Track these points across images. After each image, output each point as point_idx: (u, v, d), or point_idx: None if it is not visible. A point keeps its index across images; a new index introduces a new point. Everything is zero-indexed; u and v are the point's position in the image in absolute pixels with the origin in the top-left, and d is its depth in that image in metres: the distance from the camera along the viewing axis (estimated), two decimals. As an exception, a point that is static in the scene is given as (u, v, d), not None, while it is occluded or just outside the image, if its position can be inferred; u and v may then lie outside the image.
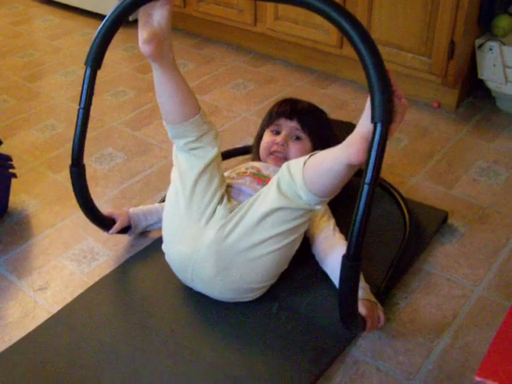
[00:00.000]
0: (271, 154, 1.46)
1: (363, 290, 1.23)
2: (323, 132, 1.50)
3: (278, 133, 1.48)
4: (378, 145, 0.94)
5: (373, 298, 1.24)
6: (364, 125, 0.98)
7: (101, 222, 1.44)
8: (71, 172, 1.33)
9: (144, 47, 1.16)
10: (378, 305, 1.24)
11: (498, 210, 1.60)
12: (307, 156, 1.14)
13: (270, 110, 1.54)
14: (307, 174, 1.11)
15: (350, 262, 1.01)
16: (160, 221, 1.49)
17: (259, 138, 1.53)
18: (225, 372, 1.16)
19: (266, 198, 1.18)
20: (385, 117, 0.93)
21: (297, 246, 1.27)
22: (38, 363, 1.20)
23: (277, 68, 2.44)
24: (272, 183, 1.19)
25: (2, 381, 1.16)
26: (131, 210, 1.49)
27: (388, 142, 0.95)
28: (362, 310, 1.19)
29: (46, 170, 1.82)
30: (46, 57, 2.63)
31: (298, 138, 1.46)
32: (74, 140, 1.28)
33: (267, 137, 1.49)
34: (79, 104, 1.25)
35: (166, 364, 1.18)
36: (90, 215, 1.42)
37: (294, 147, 1.45)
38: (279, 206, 1.16)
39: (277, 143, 1.45)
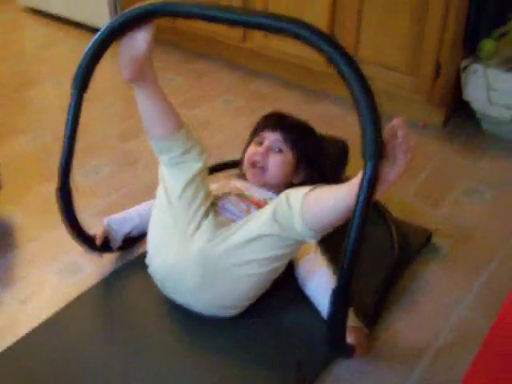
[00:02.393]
0: (251, 165, 1.46)
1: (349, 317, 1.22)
2: (308, 147, 1.50)
3: (261, 144, 1.48)
4: (367, 184, 0.95)
5: (358, 323, 1.23)
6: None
7: (87, 242, 1.43)
8: (58, 194, 1.32)
9: (123, 72, 1.19)
10: (364, 329, 1.23)
11: (481, 229, 1.62)
12: (308, 188, 1.14)
13: (257, 123, 1.56)
14: (306, 206, 1.11)
15: (341, 294, 1.02)
16: (138, 226, 1.49)
17: (245, 152, 1.54)
18: (207, 388, 1.16)
19: (259, 222, 1.18)
20: (373, 155, 0.94)
21: (281, 270, 1.27)
22: (18, 376, 1.18)
23: (266, 84, 2.46)
24: (268, 209, 1.19)
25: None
26: (105, 221, 1.47)
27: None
28: (350, 338, 1.18)
29: (33, 181, 1.82)
30: (35, 67, 2.63)
31: (279, 151, 1.46)
32: (60, 164, 1.28)
33: (250, 148, 1.50)
34: (65, 130, 1.25)
35: (148, 378, 1.18)
36: (76, 236, 1.40)
37: (273, 158, 1.45)
38: (271, 232, 1.16)
39: (257, 153, 1.45)
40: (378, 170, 0.95)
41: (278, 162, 1.45)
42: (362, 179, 0.95)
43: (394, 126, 0.99)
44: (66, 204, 1.33)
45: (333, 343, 1.14)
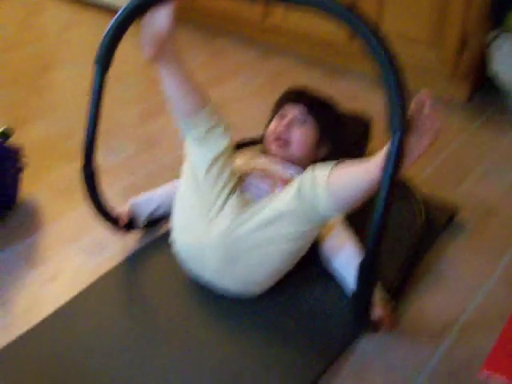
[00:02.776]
0: (275, 139, 1.45)
1: (376, 291, 1.22)
2: (330, 119, 1.50)
3: (284, 118, 1.47)
4: (394, 154, 0.94)
5: (385, 297, 1.23)
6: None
7: (111, 220, 1.44)
8: (83, 173, 1.33)
9: (144, 51, 1.18)
10: (392, 302, 1.24)
11: (506, 206, 1.59)
12: (333, 164, 1.14)
13: (279, 99, 1.55)
14: (332, 183, 1.11)
15: (367, 270, 1.02)
16: (162, 206, 1.49)
17: (268, 127, 1.53)
18: (230, 368, 1.16)
19: (284, 199, 1.18)
20: (401, 126, 0.93)
21: (304, 251, 1.27)
22: (45, 355, 1.21)
23: (286, 61, 2.43)
24: (293, 185, 1.19)
25: (10, 371, 1.17)
26: (131, 201, 1.49)
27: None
28: (377, 311, 1.18)
29: (56, 162, 1.83)
30: (57, 49, 2.64)
31: (303, 123, 1.45)
32: (84, 141, 1.29)
33: (273, 123, 1.49)
34: (89, 105, 1.25)
35: (170, 359, 1.19)
36: (101, 214, 1.42)
37: (297, 130, 1.44)
38: (295, 210, 1.16)
39: (280, 125, 1.45)
40: (404, 140, 0.94)
41: (301, 134, 1.44)
42: (389, 150, 0.94)
43: (421, 99, 0.99)
44: (90, 182, 1.35)
45: (358, 316, 1.14)
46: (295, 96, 1.49)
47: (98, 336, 1.24)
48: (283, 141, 1.44)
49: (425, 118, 0.99)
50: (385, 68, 0.94)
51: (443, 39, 1.95)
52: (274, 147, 1.46)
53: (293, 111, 1.46)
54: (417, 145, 1.00)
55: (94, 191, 1.37)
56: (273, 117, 1.53)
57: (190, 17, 2.74)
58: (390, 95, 0.94)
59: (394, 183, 0.96)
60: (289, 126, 1.44)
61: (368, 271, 1.04)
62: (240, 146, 1.72)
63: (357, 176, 1.08)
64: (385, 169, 0.96)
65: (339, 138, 1.50)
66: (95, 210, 1.41)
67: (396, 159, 0.95)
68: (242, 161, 1.46)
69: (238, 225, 1.21)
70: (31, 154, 1.83)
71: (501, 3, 1.92)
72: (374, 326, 1.20)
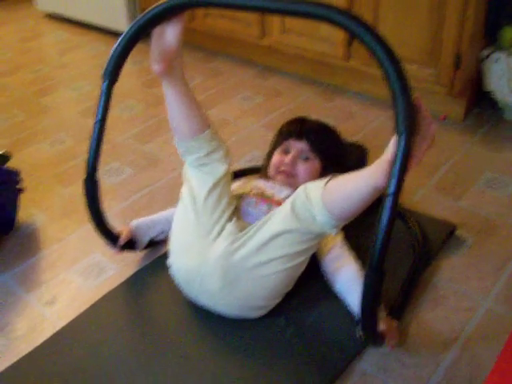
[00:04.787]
0: (279, 172, 1.46)
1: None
2: (333, 151, 1.51)
3: (287, 152, 1.48)
4: (402, 155, 0.94)
5: (385, 314, 1.23)
6: (391, 150, 0.98)
7: (110, 237, 1.43)
8: (85, 185, 1.32)
9: (154, 66, 1.19)
10: (394, 321, 1.23)
11: (505, 221, 1.59)
12: (327, 178, 1.13)
13: (280, 130, 1.56)
14: (328, 195, 1.11)
15: (374, 274, 1.00)
16: (165, 231, 1.50)
17: (269, 157, 1.54)
18: (231, 386, 1.16)
19: (278, 219, 1.18)
20: (407, 128, 0.93)
21: (303, 267, 1.27)
22: (45, 377, 1.20)
23: (284, 81, 2.45)
24: (286, 204, 1.19)
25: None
26: (134, 223, 1.48)
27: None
28: (380, 324, 1.17)
29: (55, 185, 1.84)
30: (56, 72, 2.66)
31: (306, 159, 1.46)
32: (89, 153, 1.28)
33: (277, 156, 1.50)
34: (95, 117, 1.25)
35: (171, 378, 1.18)
36: (100, 229, 1.41)
37: (302, 166, 1.45)
38: (291, 227, 1.16)
39: (285, 163, 1.46)
40: (411, 142, 0.94)
41: (307, 170, 1.45)
42: (397, 151, 0.94)
43: (415, 100, 0.98)
44: (91, 195, 1.33)
45: (366, 330, 1.12)
46: (297, 130, 1.49)
47: (98, 358, 1.23)
48: (289, 174, 1.45)
49: (422, 119, 0.99)
50: (389, 69, 0.94)
51: (438, 58, 1.96)
52: (279, 178, 1.46)
53: (296, 147, 1.47)
54: (418, 147, 0.99)
55: (94, 205, 1.35)
56: (274, 147, 1.54)
57: (188, 38, 2.76)
58: (396, 97, 0.94)
59: (401, 186, 0.95)
60: (293, 162, 1.45)
61: (375, 277, 1.01)
62: (239, 174, 1.71)
63: (355, 184, 1.07)
64: (392, 171, 0.94)
65: (341, 166, 1.50)
66: (95, 225, 1.39)
67: (404, 161, 0.94)
68: (238, 183, 1.46)
69: (235, 249, 1.21)
70: (29, 177, 1.84)
71: (494, 20, 1.94)
72: (379, 340, 1.19)
